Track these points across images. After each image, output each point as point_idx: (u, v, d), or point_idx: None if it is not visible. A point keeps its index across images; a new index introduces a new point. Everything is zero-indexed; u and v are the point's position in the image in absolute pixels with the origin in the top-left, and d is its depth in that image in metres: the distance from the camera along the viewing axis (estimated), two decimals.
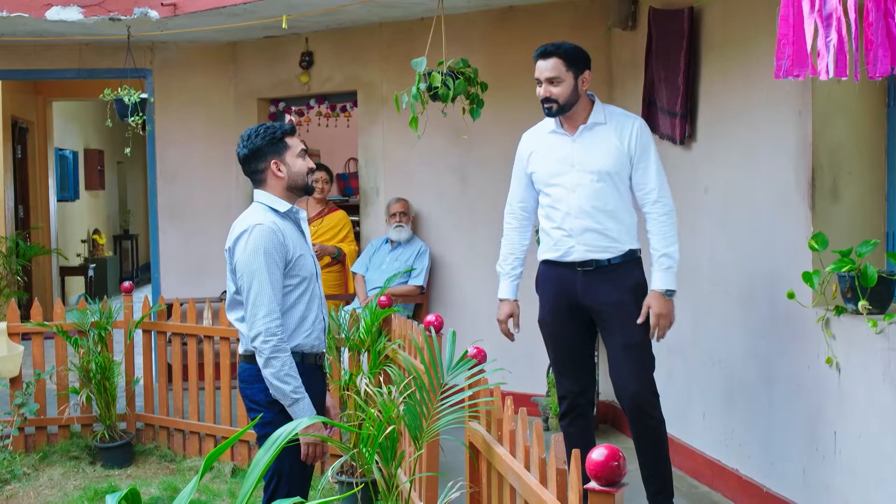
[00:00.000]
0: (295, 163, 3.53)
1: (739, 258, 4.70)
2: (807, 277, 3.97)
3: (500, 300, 4.45)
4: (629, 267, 4.22)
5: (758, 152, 4.49)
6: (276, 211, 3.50)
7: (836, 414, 3.94)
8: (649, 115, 5.41)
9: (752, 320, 4.59)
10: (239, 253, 3.42)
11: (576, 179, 4.18)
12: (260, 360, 3.38)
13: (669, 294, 4.14)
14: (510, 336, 4.49)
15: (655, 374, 4.26)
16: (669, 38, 5.16)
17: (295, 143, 3.55)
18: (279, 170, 3.50)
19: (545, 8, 6.43)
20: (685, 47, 4.98)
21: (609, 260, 4.19)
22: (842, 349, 3.89)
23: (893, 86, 4.08)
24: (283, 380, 3.35)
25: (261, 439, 3.54)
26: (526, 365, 6.09)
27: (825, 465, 4.02)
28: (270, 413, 3.44)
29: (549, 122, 4.31)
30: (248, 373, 3.50)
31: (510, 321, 4.44)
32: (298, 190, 3.57)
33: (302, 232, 3.61)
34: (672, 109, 5.15)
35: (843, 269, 3.79)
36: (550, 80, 4.12)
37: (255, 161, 3.52)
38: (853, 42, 2.48)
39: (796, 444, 4.23)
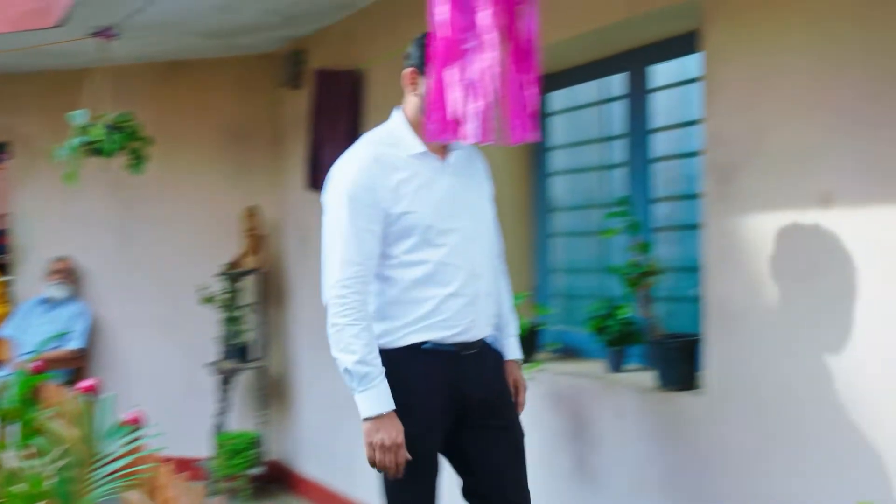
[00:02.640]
0: None
1: None
2: None
3: (379, 417, 2.78)
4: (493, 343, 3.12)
5: None
6: None
7: None
8: (315, 172, 5.47)
9: None
10: None
11: (471, 224, 2.94)
12: None
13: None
14: (402, 467, 2.82)
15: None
16: (335, 98, 5.29)
17: None
18: None
19: (214, 64, 6.37)
20: (349, 106, 5.13)
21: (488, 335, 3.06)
22: None
23: (533, 152, 4.45)
24: None
25: None
26: (190, 428, 5.89)
27: None
28: None
29: (405, 139, 2.96)
30: None
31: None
32: None
33: None
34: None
35: None
36: None
37: None
38: (497, 109, 2.66)
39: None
